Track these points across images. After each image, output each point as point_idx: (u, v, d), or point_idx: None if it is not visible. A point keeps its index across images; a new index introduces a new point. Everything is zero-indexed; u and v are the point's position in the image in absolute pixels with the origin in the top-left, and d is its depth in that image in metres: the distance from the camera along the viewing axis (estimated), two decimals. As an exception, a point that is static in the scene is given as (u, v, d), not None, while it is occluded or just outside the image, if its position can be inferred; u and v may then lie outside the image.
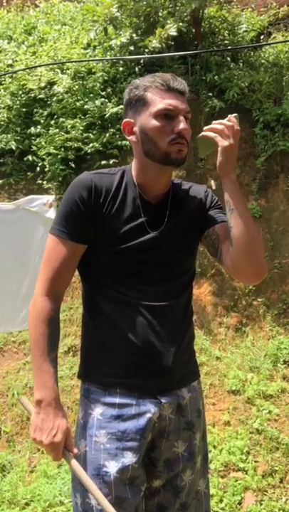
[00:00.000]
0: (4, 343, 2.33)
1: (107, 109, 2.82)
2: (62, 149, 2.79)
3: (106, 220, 0.76)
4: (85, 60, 3.04)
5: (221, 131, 0.75)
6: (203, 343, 2.22)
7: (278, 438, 1.73)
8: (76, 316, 2.38)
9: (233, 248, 0.75)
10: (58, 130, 2.83)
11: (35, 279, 0.79)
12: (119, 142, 2.77)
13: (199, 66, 2.94)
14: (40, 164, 2.85)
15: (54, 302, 0.76)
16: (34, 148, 2.88)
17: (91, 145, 2.78)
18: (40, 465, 1.75)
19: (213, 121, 0.76)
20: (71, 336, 2.30)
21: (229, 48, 3.03)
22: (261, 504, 1.49)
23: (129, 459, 0.73)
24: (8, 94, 3.07)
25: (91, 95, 2.92)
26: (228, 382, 2.02)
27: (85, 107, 2.86)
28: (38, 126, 2.93)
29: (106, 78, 2.99)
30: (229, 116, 0.77)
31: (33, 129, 2.92)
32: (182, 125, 0.73)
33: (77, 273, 0.82)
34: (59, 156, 2.77)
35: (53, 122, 2.89)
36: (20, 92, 3.06)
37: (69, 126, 2.82)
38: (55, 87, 2.96)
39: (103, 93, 2.95)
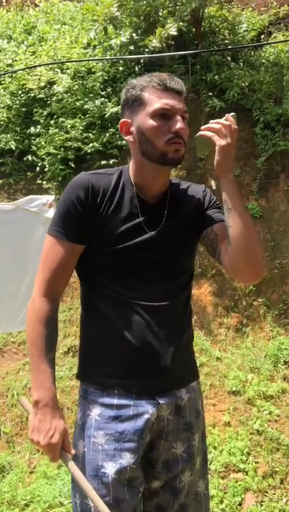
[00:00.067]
0: (4, 343, 2.32)
1: (107, 109, 2.81)
2: (62, 149, 2.78)
3: (103, 220, 0.76)
4: (85, 60, 3.03)
5: (218, 130, 0.75)
6: (203, 344, 2.21)
7: (279, 439, 1.73)
8: (76, 316, 2.37)
9: (231, 248, 0.75)
10: (57, 130, 2.82)
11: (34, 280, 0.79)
12: (119, 142, 2.76)
13: (199, 66, 2.94)
14: (39, 164, 2.84)
15: (52, 303, 0.76)
16: (34, 148, 2.87)
17: (91, 145, 2.77)
18: (39, 466, 1.74)
19: (211, 121, 0.76)
20: (71, 336, 2.30)
21: (229, 47, 3.02)
22: (262, 505, 1.49)
23: (127, 460, 0.73)
24: (7, 93, 3.07)
25: (91, 95, 2.91)
26: (229, 382, 2.01)
27: (85, 106, 2.85)
28: (38, 126, 2.92)
29: (106, 78, 2.98)
30: (227, 115, 0.77)
31: (32, 128, 2.92)
32: (179, 125, 0.73)
33: (76, 273, 0.81)
34: (59, 156, 2.77)
35: (52, 122, 2.88)
36: (20, 92, 3.05)
37: (69, 126, 2.81)
38: (54, 86, 2.95)
39: (103, 93, 2.95)
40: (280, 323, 2.29)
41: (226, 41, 3.13)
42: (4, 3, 4.24)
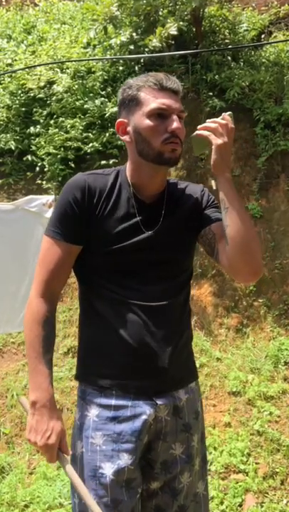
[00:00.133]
0: (3, 344, 2.32)
1: (106, 109, 2.81)
2: (62, 149, 2.77)
3: (100, 220, 0.76)
4: (85, 60, 3.03)
5: (214, 129, 0.75)
6: (203, 344, 2.21)
7: (279, 439, 1.72)
8: (76, 317, 2.37)
9: (228, 247, 0.75)
10: (57, 130, 2.82)
11: (34, 280, 0.79)
12: (119, 142, 2.75)
13: (200, 65, 2.93)
14: (39, 164, 2.84)
15: (49, 304, 0.76)
16: (33, 148, 2.87)
17: (91, 145, 2.77)
18: (39, 467, 1.74)
19: (207, 120, 0.76)
20: (71, 337, 2.29)
21: (230, 47, 3.02)
22: (262, 506, 1.49)
23: (125, 460, 0.73)
24: (7, 93, 3.06)
25: (91, 95, 2.91)
26: (229, 383, 2.01)
27: (85, 106, 2.85)
28: (38, 126, 2.92)
29: (106, 77, 2.98)
30: (223, 114, 0.76)
31: (32, 128, 2.91)
32: (175, 124, 0.73)
33: (74, 274, 0.81)
34: (58, 156, 2.76)
35: (52, 122, 2.88)
36: (20, 92, 3.05)
37: (68, 125, 2.81)
38: (54, 86, 2.95)
39: (103, 92, 2.94)
40: (281, 324, 2.29)
41: (227, 41, 3.13)
42: (4, 3, 4.23)
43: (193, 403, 0.81)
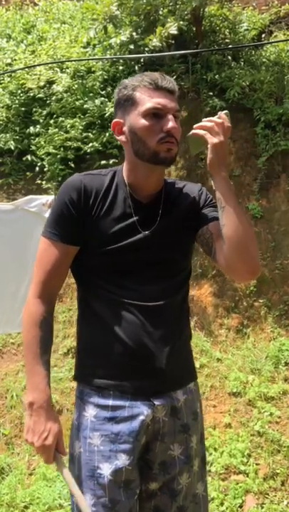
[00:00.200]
0: (3, 344, 2.32)
1: (106, 109, 2.80)
2: (62, 149, 2.77)
3: (96, 220, 0.76)
4: (85, 59, 3.02)
5: (210, 128, 0.74)
6: (203, 345, 2.20)
7: (280, 440, 1.72)
8: (75, 317, 2.34)
9: (225, 246, 0.74)
10: (57, 130, 2.81)
11: (34, 280, 0.79)
12: (119, 142, 2.74)
13: (200, 65, 2.92)
14: (39, 164, 2.83)
15: (47, 304, 0.77)
16: (33, 147, 2.86)
17: (91, 145, 2.76)
18: (39, 468, 1.73)
19: (203, 119, 0.76)
20: (70, 337, 2.29)
21: (230, 46, 3.01)
22: (262, 507, 1.48)
23: (123, 461, 0.73)
24: (7, 93, 3.06)
25: (91, 94, 2.90)
26: (229, 384, 2.00)
27: (85, 106, 2.84)
28: (37, 126, 2.91)
29: (106, 77, 2.97)
30: (219, 113, 0.76)
31: (32, 128, 2.91)
32: (171, 124, 0.73)
33: (71, 274, 0.81)
34: (58, 156, 2.75)
35: (52, 122, 2.87)
36: (19, 92, 3.04)
37: (68, 125, 2.80)
38: (54, 86, 2.94)
39: (103, 92, 2.93)
40: (281, 324, 2.28)
41: (227, 40, 3.12)
42: (3, 2, 4.22)
43: (192, 404, 0.81)
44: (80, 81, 2.96)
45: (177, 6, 2.74)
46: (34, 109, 2.95)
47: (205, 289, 2.44)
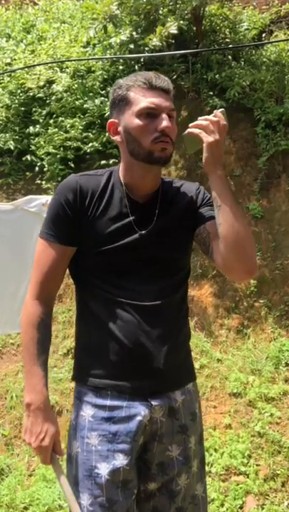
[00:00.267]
0: (3, 345, 2.31)
1: (106, 109, 2.80)
2: (62, 149, 2.76)
3: (93, 221, 0.76)
4: (85, 59, 3.01)
5: (205, 126, 0.74)
6: (204, 345, 2.20)
7: (280, 441, 1.72)
8: (75, 318, 2.35)
9: (222, 245, 0.74)
10: (57, 129, 2.80)
11: (34, 281, 0.79)
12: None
13: (200, 65, 2.91)
14: (39, 164, 2.83)
15: (44, 305, 0.77)
16: (33, 147, 2.85)
17: (90, 144, 2.76)
18: (38, 469, 1.73)
19: (199, 118, 0.76)
20: (70, 338, 2.28)
21: (230, 46, 3.00)
22: (263, 508, 1.48)
23: (120, 461, 0.73)
24: (6, 93, 3.05)
25: (90, 94, 2.89)
26: (230, 384, 2.00)
27: (85, 106, 2.83)
28: (37, 126, 2.90)
29: (106, 77, 2.96)
30: (215, 111, 0.76)
31: (31, 128, 2.90)
32: (165, 123, 0.72)
33: (69, 274, 0.81)
34: (58, 156, 2.75)
35: (52, 121, 2.87)
36: (19, 91, 3.03)
37: (68, 125, 2.79)
38: (54, 85, 2.93)
39: (103, 92, 2.93)
40: (282, 325, 2.27)
41: (227, 40, 3.11)
42: (3, 2, 4.22)
43: (190, 404, 0.80)
44: (80, 81, 2.96)
45: (177, 6, 2.74)
46: (34, 109, 2.95)
47: (205, 289, 2.44)
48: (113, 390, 0.74)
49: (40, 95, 2.96)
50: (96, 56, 3.01)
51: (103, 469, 0.72)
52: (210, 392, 2.00)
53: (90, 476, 0.73)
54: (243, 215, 0.76)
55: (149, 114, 0.73)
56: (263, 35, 3.27)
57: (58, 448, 0.74)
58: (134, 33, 2.79)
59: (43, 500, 1.54)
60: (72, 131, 2.76)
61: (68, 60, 2.98)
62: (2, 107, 3.01)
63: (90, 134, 2.80)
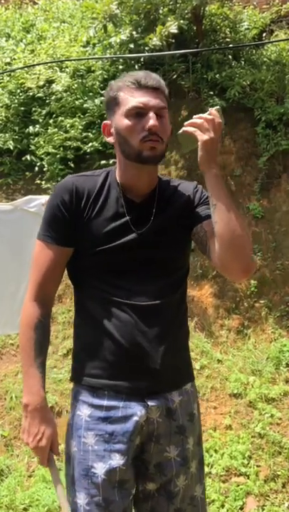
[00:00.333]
0: (2, 345, 2.30)
1: (106, 108, 2.79)
2: (61, 149, 2.76)
3: (89, 221, 0.76)
4: (85, 59, 3.00)
5: (200, 125, 0.74)
6: (204, 346, 2.19)
7: (281, 442, 1.71)
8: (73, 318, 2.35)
9: (218, 244, 0.74)
10: (56, 129, 2.80)
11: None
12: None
13: (200, 64, 2.91)
14: (38, 164, 2.82)
15: (42, 307, 0.78)
16: (32, 147, 2.85)
17: (90, 144, 2.75)
18: (38, 469, 1.73)
19: (194, 116, 0.75)
20: (70, 338, 2.27)
21: (231, 46, 3.00)
22: (263, 509, 1.48)
23: (117, 461, 0.73)
24: (6, 92, 3.04)
25: (90, 94, 2.89)
26: (230, 385, 1.99)
27: (85, 105, 2.83)
28: (37, 126, 2.90)
29: (106, 76, 2.96)
30: (210, 109, 0.75)
31: (31, 128, 2.90)
32: (151, 121, 0.72)
33: (67, 274, 0.81)
34: (58, 156, 2.74)
35: (51, 121, 2.86)
36: (19, 91, 3.03)
37: (68, 125, 2.79)
38: (53, 85, 2.93)
39: (102, 92, 2.92)
40: (282, 325, 2.27)
41: (227, 39, 3.11)
42: (3, 1, 4.21)
43: (188, 405, 0.80)
44: (80, 80, 2.95)
45: (177, 5, 2.73)
46: (33, 109, 2.94)
47: (205, 289, 2.43)
48: (110, 390, 0.74)
49: (39, 95, 2.95)
50: (96, 56, 3.00)
51: (100, 469, 0.72)
52: (210, 392, 2.00)
53: (86, 476, 0.73)
54: (239, 214, 0.75)
55: (138, 114, 0.73)
56: (264, 34, 3.26)
57: (55, 448, 0.75)
58: (134, 33, 2.78)
59: (42, 501, 1.54)
60: (72, 131, 2.76)
61: (68, 60, 2.98)
62: (2, 107, 3.00)
63: (89, 133, 2.79)
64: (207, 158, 0.74)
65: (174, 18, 2.56)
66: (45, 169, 2.78)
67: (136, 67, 2.94)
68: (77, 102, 2.85)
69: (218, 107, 0.77)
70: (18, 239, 1.80)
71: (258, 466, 1.65)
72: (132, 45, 2.79)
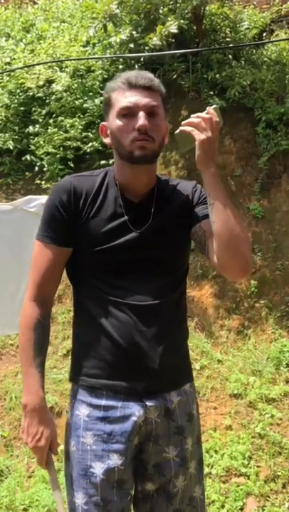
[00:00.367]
0: (2, 346, 2.30)
1: (106, 108, 2.78)
2: (61, 149, 2.75)
3: (87, 221, 0.76)
4: (84, 58, 3.00)
5: (197, 124, 0.73)
6: (204, 346, 2.19)
7: (281, 442, 1.71)
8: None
9: (216, 243, 0.74)
10: (56, 129, 2.80)
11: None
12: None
13: (200, 64, 2.90)
14: (38, 164, 2.82)
15: (41, 307, 0.78)
16: (32, 147, 2.85)
17: (90, 144, 2.75)
18: (38, 470, 1.72)
19: (192, 115, 0.75)
20: (70, 338, 2.25)
21: (231, 45, 2.99)
22: (263, 510, 1.48)
23: (115, 461, 0.73)
24: (6, 92, 3.04)
25: (90, 94, 2.88)
26: (230, 385, 1.99)
27: (84, 105, 2.83)
28: (37, 125, 2.90)
29: (105, 76, 2.95)
30: (208, 108, 0.75)
31: (31, 128, 2.89)
32: (140, 121, 0.71)
33: (66, 274, 0.81)
34: (58, 156, 2.74)
35: (51, 121, 2.86)
36: (19, 91, 3.03)
37: (68, 125, 2.79)
38: (53, 85, 2.92)
39: (102, 92, 2.91)
40: (282, 326, 2.27)
41: (228, 39, 3.10)
42: (2, 1, 4.20)
43: (186, 405, 0.79)
44: (80, 80, 2.95)
45: (177, 5, 2.73)
46: (33, 109, 2.94)
47: (205, 290, 2.43)
48: (108, 389, 0.74)
49: (39, 95, 2.95)
50: (96, 55, 3.00)
51: (98, 469, 0.73)
52: (210, 393, 1.99)
53: (85, 475, 0.73)
54: (236, 213, 0.74)
55: (128, 114, 0.72)
56: (264, 34, 3.26)
57: (54, 448, 0.75)
58: (134, 32, 2.77)
59: (42, 502, 1.54)
60: (72, 131, 2.76)
61: (68, 60, 2.97)
62: (1, 107, 3.00)
63: (89, 133, 2.79)
64: (205, 157, 0.73)
65: (174, 18, 2.56)
66: (45, 169, 2.78)
67: (136, 66, 2.93)
68: (77, 102, 2.85)
69: (215, 105, 0.76)
70: (18, 239, 1.80)
71: (258, 466, 1.64)
72: (132, 45, 2.79)
